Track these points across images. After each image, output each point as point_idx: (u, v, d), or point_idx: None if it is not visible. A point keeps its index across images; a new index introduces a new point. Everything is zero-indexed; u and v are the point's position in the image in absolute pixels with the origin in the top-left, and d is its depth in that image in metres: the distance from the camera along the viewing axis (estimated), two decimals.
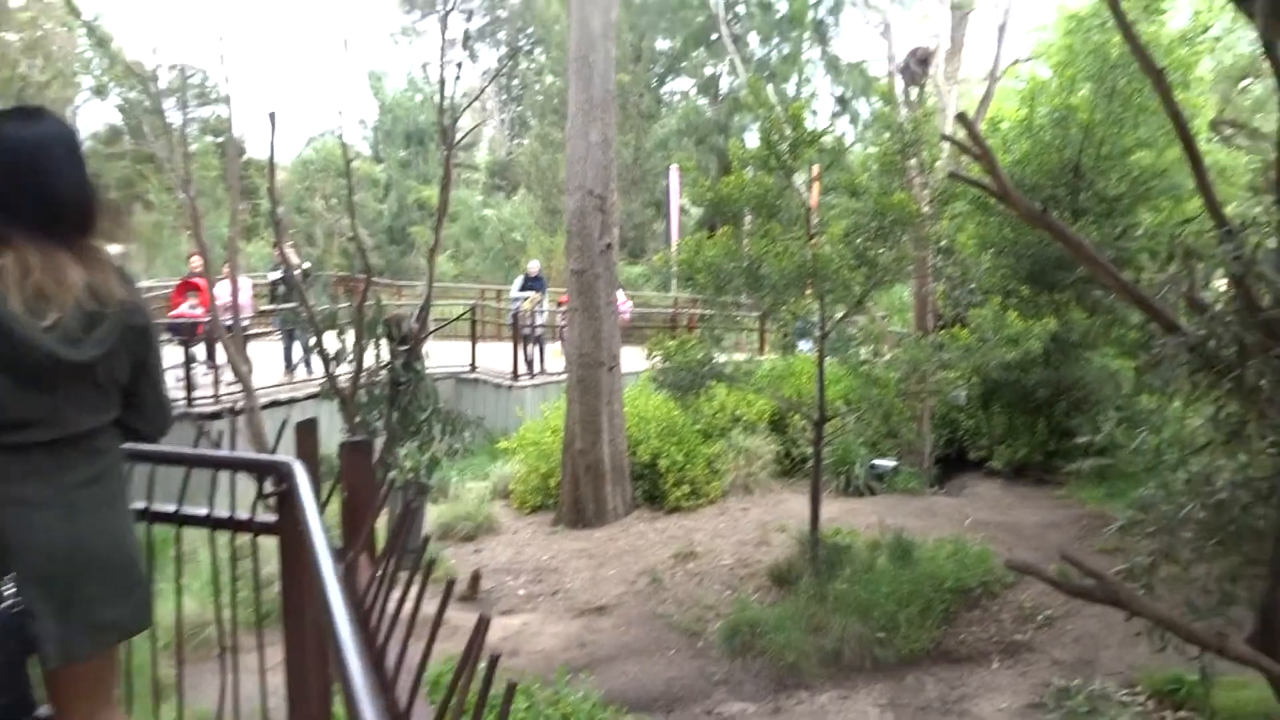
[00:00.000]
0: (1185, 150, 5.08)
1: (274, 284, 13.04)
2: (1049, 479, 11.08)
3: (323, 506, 2.03)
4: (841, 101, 26.99)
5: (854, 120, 26.99)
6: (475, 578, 8.29)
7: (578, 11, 10.26)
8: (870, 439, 10.52)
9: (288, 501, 2.11)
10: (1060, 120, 10.56)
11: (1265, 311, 4.49)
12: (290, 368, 13.01)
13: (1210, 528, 5.07)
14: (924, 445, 11.55)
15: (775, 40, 27.21)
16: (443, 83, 6.51)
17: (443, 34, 7.37)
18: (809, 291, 7.55)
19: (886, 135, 7.94)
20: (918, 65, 10.85)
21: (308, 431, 2.22)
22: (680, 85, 31.80)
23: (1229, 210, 11.31)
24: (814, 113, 26.51)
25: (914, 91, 11.05)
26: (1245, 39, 17.33)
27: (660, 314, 21.43)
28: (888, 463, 11.26)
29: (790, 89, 26.78)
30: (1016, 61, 14.09)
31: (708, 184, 8.15)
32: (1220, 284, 5.01)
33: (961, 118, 4.82)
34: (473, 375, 14.86)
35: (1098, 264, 5.11)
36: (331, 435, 5.95)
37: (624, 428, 10.70)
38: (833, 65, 27.23)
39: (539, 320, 15.50)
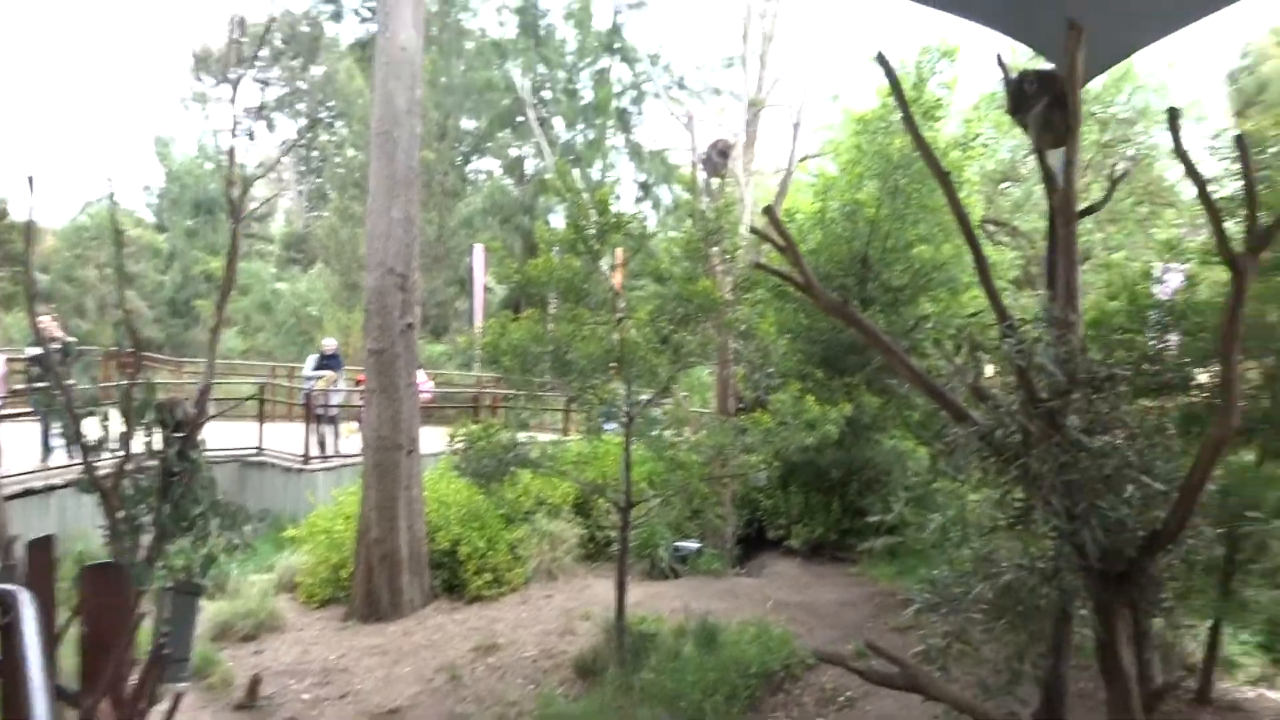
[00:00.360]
0: (970, 248, 5.39)
1: (30, 360, 11.81)
2: (843, 557, 11.42)
3: (59, 636, 1.68)
4: (644, 187, 27.80)
5: (656, 206, 27.83)
6: (254, 683, 7.57)
7: (381, 87, 10.03)
8: (674, 522, 10.52)
9: (10, 638, 1.74)
10: (850, 214, 11.17)
11: (1045, 402, 4.76)
12: (47, 453, 11.74)
13: (999, 608, 5.25)
14: (726, 526, 11.67)
15: (580, 126, 27.78)
16: (232, 151, 6.10)
17: (233, 100, 6.96)
18: (615, 375, 7.51)
19: (689, 222, 8.10)
20: (719, 156, 11.24)
21: (42, 549, 1.85)
22: (486, 165, 31.90)
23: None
24: (617, 197, 27.11)
25: (715, 182, 11.42)
26: (1006, 146, 19.12)
27: (463, 393, 20.97)
28: (691, 544, 11.29)
29: (595, 173, 27.32)
30: (806, 157, 14.95)
31: (515, 265, 8.02)
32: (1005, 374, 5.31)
33: (768, 211, 4.93)
34: (260, 458, 13.92)
35: (893, 354, 5.29)
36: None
37: (423, 514, 10.23)
38: (636, 152, 28.04)
39: (334, 400, 14.77)
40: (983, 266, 5.33)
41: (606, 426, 12.02)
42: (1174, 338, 7.25)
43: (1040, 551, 5.11)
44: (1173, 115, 4.22)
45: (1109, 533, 4.63)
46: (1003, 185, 21.27)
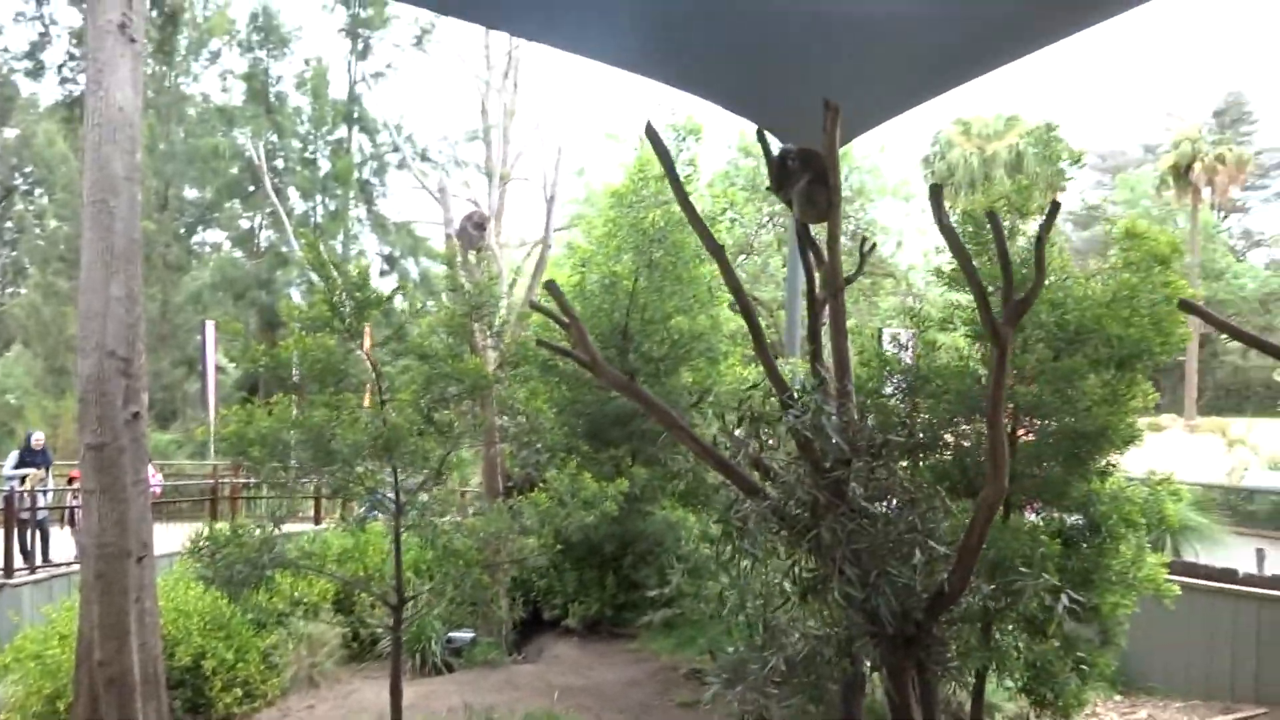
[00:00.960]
0: (745, 319, 5.42)
1: None
2: (621, 632, 11.24)
3: None
4: (390, 260, 26.99)
5: (403, 280, 27.04)
6: None
7: (95, 151, 9.00)
8: (446, 613, 9.95)
9: None
10: (609, 286, 11.21)
11: (830, 472, 4.82)
12: None
13: (792, 681, 5.21)
14: (501, 611, 11.19)
15: (319, 196, 26.69)
16: None
17: None
18: (382, 461, 6.99)
19: (445, 297, 7.78)
20: (475, 229, 11.00)
21: None
22: (212, 236, 29.89)
23: (743, 371, 12.53)
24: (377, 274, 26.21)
25: (472, 255, 11.16)
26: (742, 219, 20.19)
27: (197, 485, 19.18)
28: (465, 635, 10.71)
29: (338, 245, 26.26)
30: (558, 229, 15.00)
31: (260, 346, 7.35)
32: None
33: (550, 285, 4.75)
34: None
35: (679, 429, 5.21)
36: None
37: (159, 628, 9.04)
38: (380, 224, 27.23)
39: (41, 502, 12.99)
40: (759, 337, 5.38)
41: (370, 515, 11.32)
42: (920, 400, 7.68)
43: (832, 620, 5.15)
44: (935, 192, 4.45)
45: (899, 597, 4.72)
46: (740, 257, 22.40)
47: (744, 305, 5.30)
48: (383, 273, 26.95)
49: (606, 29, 8.50)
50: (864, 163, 25.57)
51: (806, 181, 5.27)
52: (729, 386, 11.41)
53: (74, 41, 27.66)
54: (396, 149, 26.36)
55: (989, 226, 4.79)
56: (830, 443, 4.64)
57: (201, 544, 6.16)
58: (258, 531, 6.86)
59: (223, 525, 6.74)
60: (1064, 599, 5.02)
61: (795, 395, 5.11)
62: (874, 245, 6.89)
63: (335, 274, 6.51)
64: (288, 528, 15.15)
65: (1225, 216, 58.09)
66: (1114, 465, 7.24)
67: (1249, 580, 10.22)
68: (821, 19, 7.37)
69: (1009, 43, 8.16)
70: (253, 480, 18.60)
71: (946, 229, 4.24)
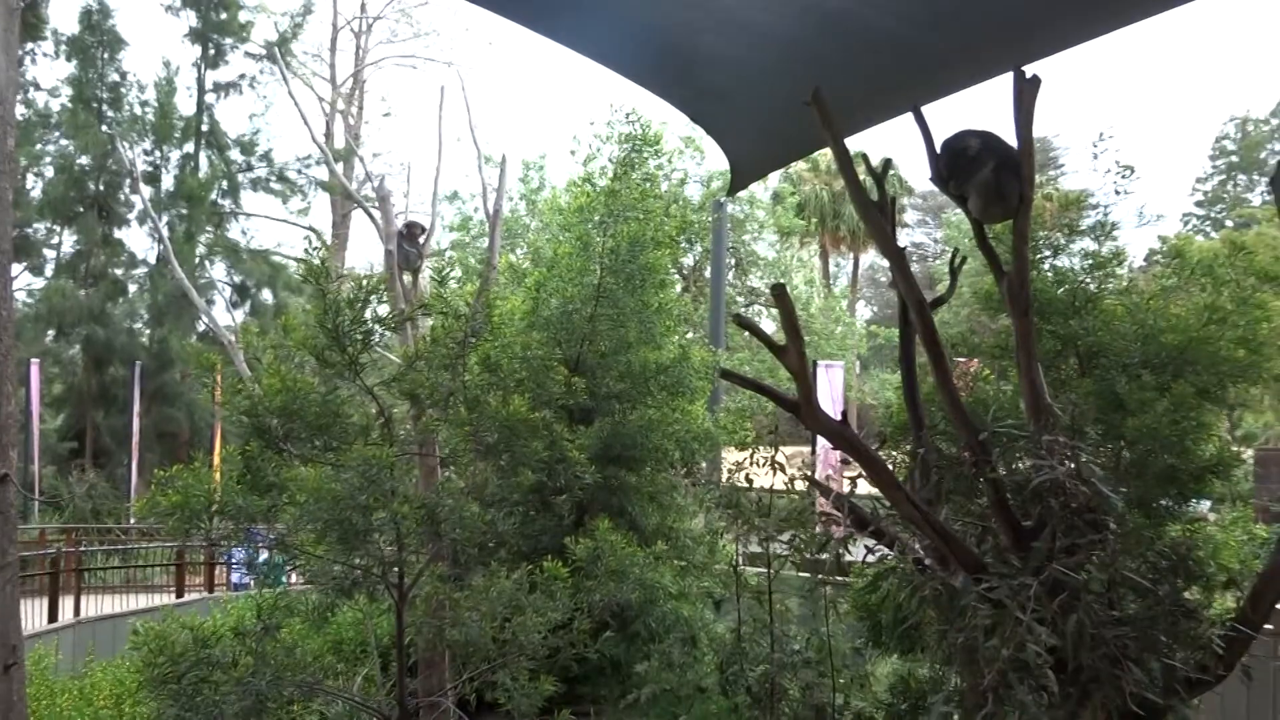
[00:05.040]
0: (928, 342, 4.28)
1: None
2: (582, 712, 9.81)
3: None
4: (242, 291, 24.38)
5: (256, 311, 24.50)
6: None
7: None
8: None
9: None
10: (567, 314, 9.91)
11: (1081, 534, 3.75)
12: None
13: None
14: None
15: (164, 215, 23.88)
16: None
17: None
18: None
19: (435, 324, 6.30)
20: (409, 243, 9.44)
21: None
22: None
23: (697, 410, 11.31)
24: (212, 302, 23.53)
25: (407, 277, 9.56)
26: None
27: (26, 555, 16.32)
28: None
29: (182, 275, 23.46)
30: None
31: (250, 387, 5.67)
32: None
33: (778, 290, 3.49)
34: None
35: (898, 489, 4.01)
36: None
37: None
38: (231, 250, 24.60)
39: None
40: (941, 365, 4.24)
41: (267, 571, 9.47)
42: None
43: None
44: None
45: (1163, 678, 3.69)
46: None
47: (926, 322, 4.15)
48: (234, 304, 24.34)
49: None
50: (743, 193, 25.20)
51: (992, 170, 4.23)
52: (698, 426, 10.28)
53: None
54: (250, 167, 23.98)
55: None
56: (1103, 497, 3.56)
57: (159, 663, 4.38)
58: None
59: (171, 623, 4.97)
60: None
61: (1000, 436, 4.03)
62: (965, 259, 5.93)
63: (334, 289, 4.97)
64: (137, 600, 12.87)
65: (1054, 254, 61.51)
66: None
67: None
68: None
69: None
70: (92, 548, 16.03)
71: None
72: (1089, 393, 6.20)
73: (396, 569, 5.40)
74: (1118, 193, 8.92)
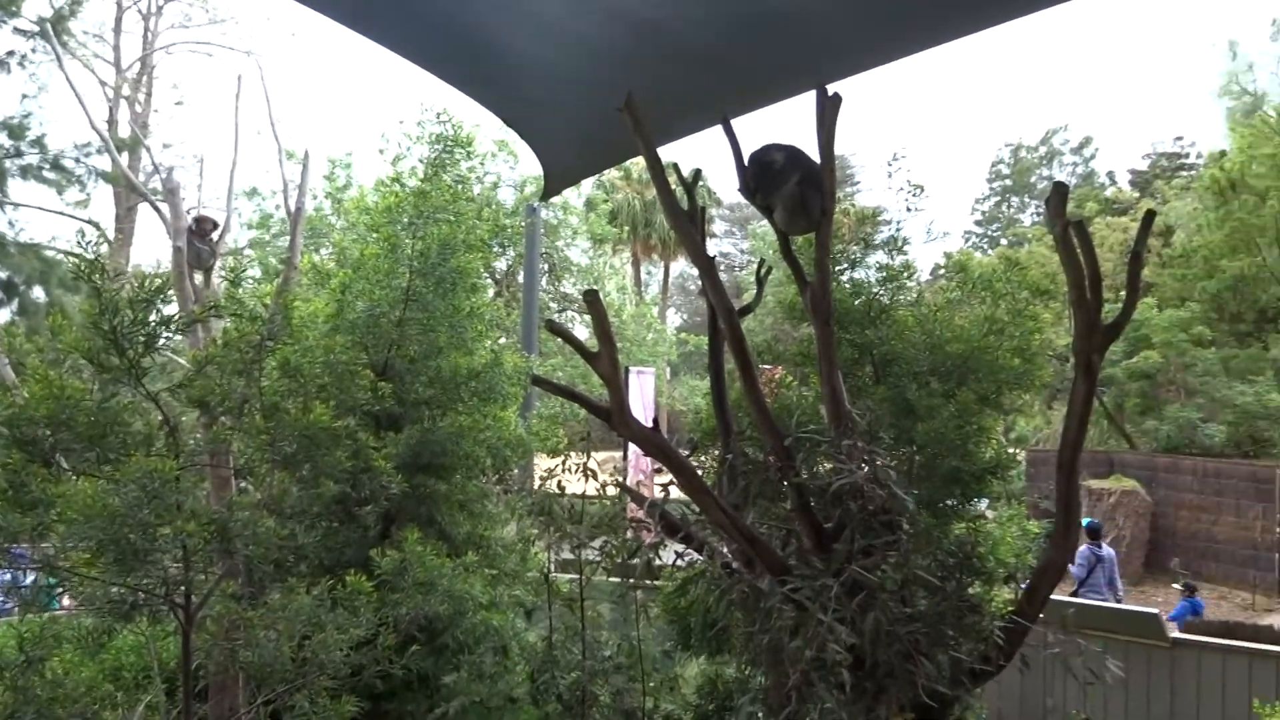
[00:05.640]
0: (736, 348, 4.35)
1: None
2: None
3: None
4: (8, 288, 22.20)
5: (26, 310, 22.36)
6: None
7: None
8: None
9: None
10: (375, 318, 9.56)
11: (877, 535, 3.90)
12: None
13: None
14: None
15: None
16: None
17: None
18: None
19: (229, 326, 5.93)
20: (199, 240, 8.84)
21: None
22: None
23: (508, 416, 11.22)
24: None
25: (199, 277, 8.93)
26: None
27: None
28: None
29: None
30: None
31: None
32: None
33: (590, 296, 3.42)
34: None
35: (707, 495, 4.05)
36: None
37: None
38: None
39: None
40: (749, 372, 4.33)
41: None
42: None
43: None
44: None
45: (951, 669, 3.90)
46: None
47: (734, 330, 4.23)
48: (0, 303, 22.13)
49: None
50: (557, 199, 25.22)
51: (796, 184, 4.36)
52: (511, 433, 10.14)
53: None
54: (20, 153, 21.90)
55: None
56: (897, 499, 3.73)
57: None
58: None
59: None
60: None
61: (803, 441, 4.15)
62: (770, 270, 6.13)
63: (112, 287, 4.56)
64: None
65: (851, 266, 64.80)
66: None
67: None
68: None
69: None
70: None
71: (1061, 238, 3.52)
72: (883, 399, 6.53)
73: (183, 589, 5.03)
74: (909, 209, 9.49)
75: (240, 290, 5.85)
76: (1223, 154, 25.40)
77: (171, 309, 5.48)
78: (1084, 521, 12.89)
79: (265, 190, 23.48)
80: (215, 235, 9.13)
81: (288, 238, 11.67)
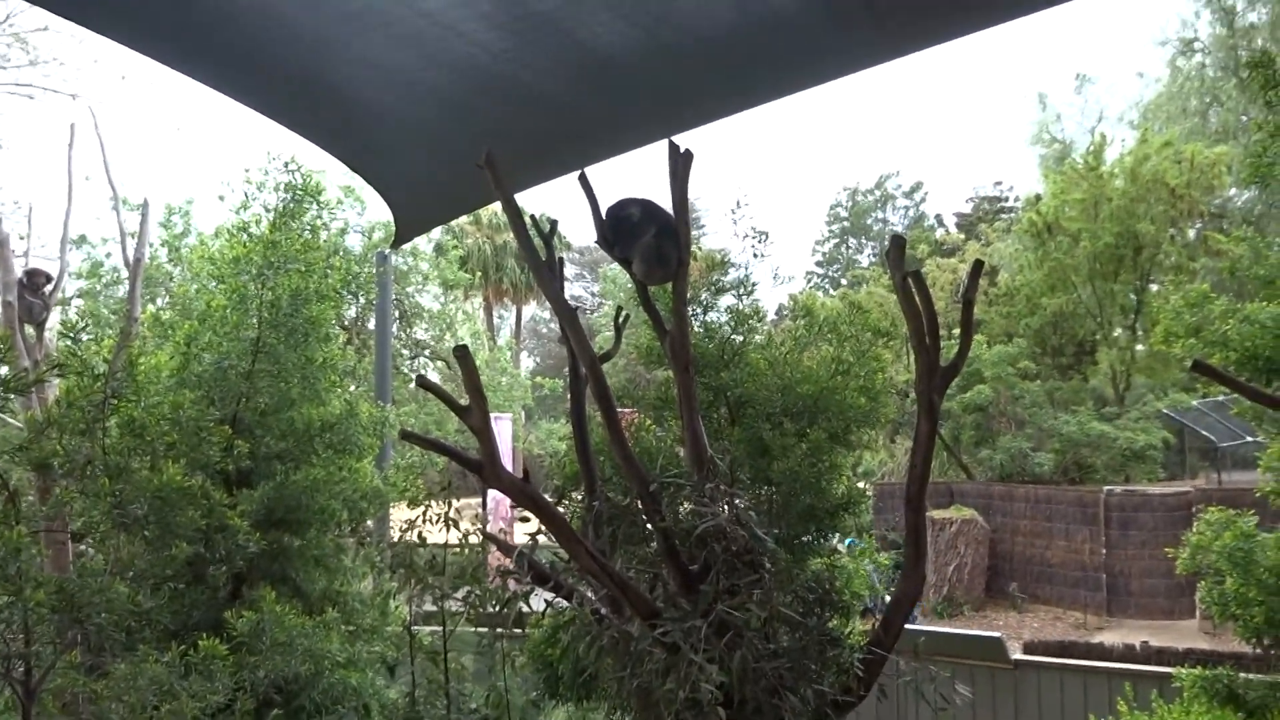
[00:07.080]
0: (599, 395, 4.41)
1: None
2: None
3: None
4: None
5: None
6: None
7: None
8: None
9: None
10: (223, 371, 9.19)
11: (740, 576, 4.01)
12: None
13: None
14: None
15: None
16: None
17: None
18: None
19: (68, 384, 5.63)
20: (32, 294, 8.35)
21: None
22: None
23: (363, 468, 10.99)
24: None
25: (31, 330, 8.40)
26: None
27: None
28: None
29: None
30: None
31: None
32: None
33: (460, 352, 3.40)
34: None
35: (579, 543, 4.06)
36: None
37: None
38: None
39: None
40: (612, 420, 4.40)
41: None
42: None
43: None
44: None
45: (816, 702, 4.04)
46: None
47: (598, 378, 4.31)
48: None
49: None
50: (406, 246, 24.88)
51: (653, 236, 4.50)
52: (367, 484, 9.90)
53: None
54: None
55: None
56: (760, 540, 3.86)
57: None
58: None
59: None
60: None
61: (667, 486, 4.25)
62: (629, 316, 6.25)
63: None
64: None
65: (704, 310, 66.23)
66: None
67: None
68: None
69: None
70: None
71: (900, 285, 3.76)
72: (739, 440, 6.72)
73: (22, 663, 4.69)
74: (755, 255, 9.75)
75: (79, 346, 5.54)
76: (1038, 198, 27.34)
77: (3, 369, 5.16)
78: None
79: (95, 238, 22.28)
80: (48, 289, 8.64)
81: (120, 287, 11.15)
